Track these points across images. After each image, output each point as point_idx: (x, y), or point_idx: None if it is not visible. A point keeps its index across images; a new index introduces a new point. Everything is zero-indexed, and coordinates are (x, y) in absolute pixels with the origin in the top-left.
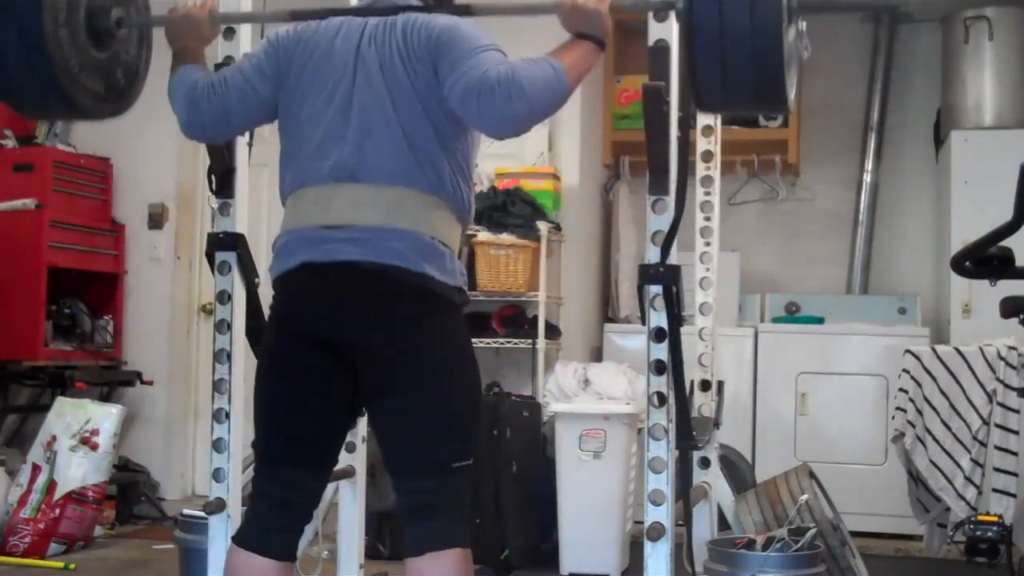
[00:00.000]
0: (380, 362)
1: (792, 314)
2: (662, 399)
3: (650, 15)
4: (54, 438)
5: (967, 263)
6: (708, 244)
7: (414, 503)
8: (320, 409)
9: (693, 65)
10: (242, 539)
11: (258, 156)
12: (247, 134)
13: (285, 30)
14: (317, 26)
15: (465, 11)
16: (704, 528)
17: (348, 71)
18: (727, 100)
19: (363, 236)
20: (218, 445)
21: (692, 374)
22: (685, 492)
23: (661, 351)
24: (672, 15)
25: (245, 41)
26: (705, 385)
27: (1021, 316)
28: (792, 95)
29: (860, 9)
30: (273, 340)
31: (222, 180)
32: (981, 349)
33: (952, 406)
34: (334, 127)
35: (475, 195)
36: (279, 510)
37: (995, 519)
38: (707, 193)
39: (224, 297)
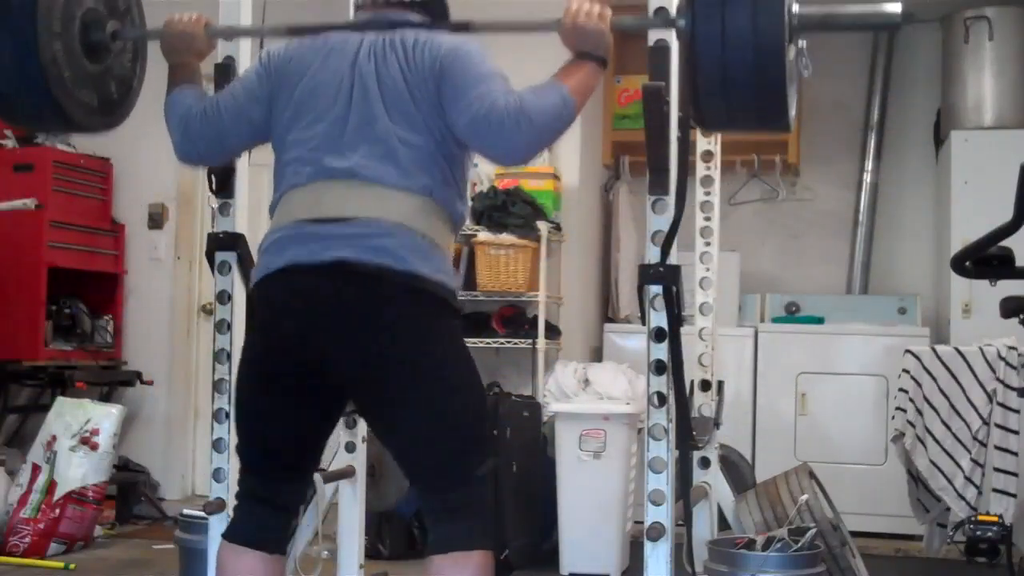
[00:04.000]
0: (375, 376)
1: (792, 314)
2: (662, 399)
3: (650, 16)
4: (54, 438)
5: (967, 263)
6: (708, 244)
7: (439, 507)
8: (300, 422)
9: (695, 83)
10: (232, 534)
11: (258, 156)
12: None
13: (277, 49)
14: (312, 43)
15: (464, 28)
16: (704, 528)
17: (344, 86)
18: (729, 119)
19: (351, 231)
20: (218, 445)
21: (692, 374)
22: (685, 492)
23: (661, 351)
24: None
25: (245, 41)
26: (705, 385)
27: (1021, 316)
28: (793, 113)
29: (860, 29)
30: (253, 349)
31: (222, 180)
32: (981, 349)
33: (952, 406)
34: (327, 140)
35: (475, 195)
36: (265, 507)
37: (995, 519)
38: (707, 193)
39: (224, 297)
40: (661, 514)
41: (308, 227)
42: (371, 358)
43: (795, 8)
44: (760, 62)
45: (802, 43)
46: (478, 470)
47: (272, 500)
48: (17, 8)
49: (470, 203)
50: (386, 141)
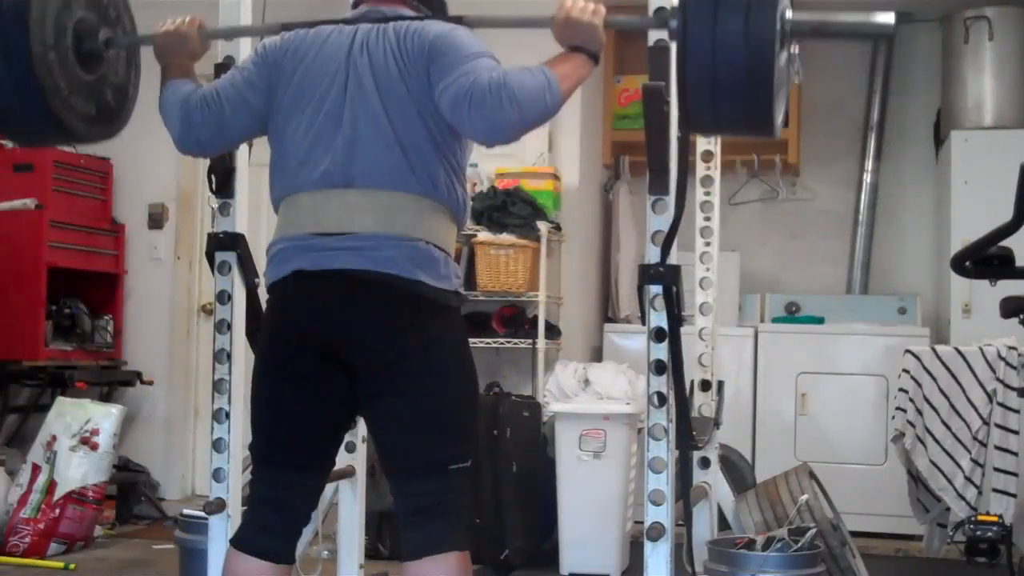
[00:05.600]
0: (376, 367)
1: (792, 314)
2: (662, 399)
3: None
4: (54, 438)
5: (967, 263)
6: (708, 244)
7: (412, 506)
8: (316, 413)
9: (684, 85)
10: (240, 542)
11: (258, 156)
12: None
13: (273, 40)
14: (306, 34)
15: (457, 22)
16: (704, 528)
17: (339, 78)
18: (715, 121)
19: (357, 244)
20: (218, 445)
21: (692, 374)
22: (685, 492)
23: (661, 351)
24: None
25: (245, 41)
26: (705, 385)
27: (1021, 316)
28: (780, 120)
29: (853, 37)
30: (268, 345)
31: (222, 180)
32: (981, 349)
33: (952, 406)
34: (324, 134)
35: (475, 195)
36: (277, 513)
37: (995, 519)
38: (707, 193)
39: (224, 297)
40: (661, 514)
41: (312, 240)
42: (375, 352)
43: (788, 14)
44: (750, 66)
45: (794, 49)
46: (454, 464)
47: (283, 501)
48: (8, 21)
49: (470, 203)
50: (383, 137)
